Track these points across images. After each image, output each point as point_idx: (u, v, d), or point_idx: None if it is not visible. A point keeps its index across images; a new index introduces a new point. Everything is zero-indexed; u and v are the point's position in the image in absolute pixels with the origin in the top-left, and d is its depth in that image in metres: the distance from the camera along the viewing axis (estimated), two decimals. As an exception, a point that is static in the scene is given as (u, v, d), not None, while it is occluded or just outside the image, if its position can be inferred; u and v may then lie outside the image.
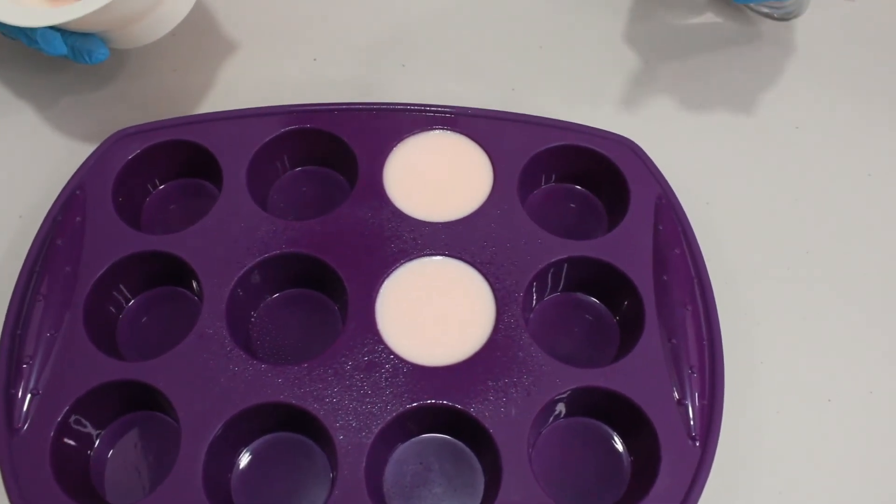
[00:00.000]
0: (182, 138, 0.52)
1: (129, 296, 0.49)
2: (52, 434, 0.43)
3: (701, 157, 0.56)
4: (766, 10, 0.60)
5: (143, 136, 0.52)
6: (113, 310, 0.49)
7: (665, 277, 0.48)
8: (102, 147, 0.51)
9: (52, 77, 0.59)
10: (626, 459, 0.45)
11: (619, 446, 0.46)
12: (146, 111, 0.57)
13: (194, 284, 0.48)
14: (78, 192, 0.50)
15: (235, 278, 0.47)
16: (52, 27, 0.49)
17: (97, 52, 0.50)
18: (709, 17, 0.63)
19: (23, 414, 0.43)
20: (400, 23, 0.63)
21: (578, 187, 0.54)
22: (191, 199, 0.53)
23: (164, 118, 0.53)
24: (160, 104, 0.58)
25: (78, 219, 0.49)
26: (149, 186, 0.53)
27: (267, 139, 0.52)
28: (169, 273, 0.49)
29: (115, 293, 0.49)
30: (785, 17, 0.60)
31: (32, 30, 0.50)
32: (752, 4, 0.59)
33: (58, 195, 0.50)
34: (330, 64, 0.60)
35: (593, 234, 0.51)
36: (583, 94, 0.59)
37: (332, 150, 0.53)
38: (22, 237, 0.52)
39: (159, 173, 0.53)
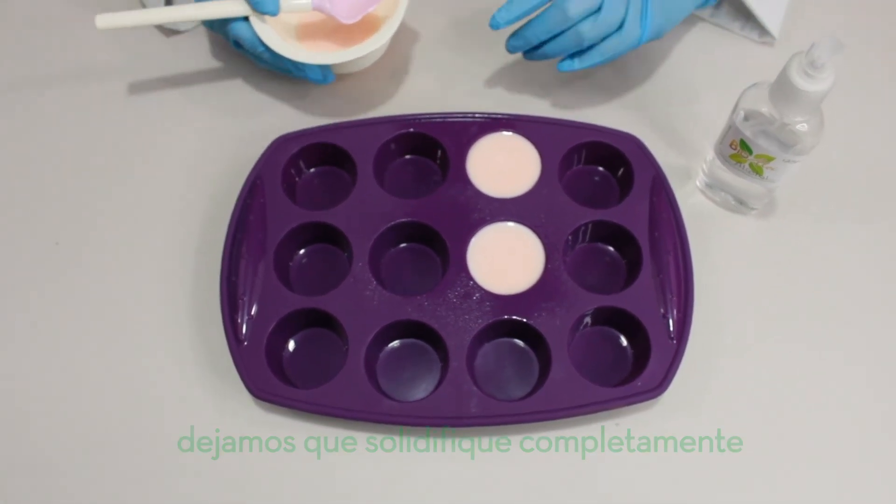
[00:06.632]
0: (326, 140, 0.70)
1: (297, 251, 0.69)
2: (264, 343, 0.62)
3: (687, 142, 0.73)
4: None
5: (298, 139, 0.70)
6: (289, 261, 0.69)
7: (656, 233, 0.65)
8: (270, 148, 0.70)
9: (219, 92, 0.77)
10: (629, 352, 0.64)
11: (625, 344, 0.64)
12: (296, 119, 0.75)
13: (344, 243, 0.67)
14: (258, 181, 0.69)
15: (373, 238, 0.66)
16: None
17: (330, 77, 0.71)
18: (693, 26, 0.79)
19: (244, 332, 0.63)
20: (467, 50, 0.79)
21: (600, 168, 0.72)
22: (329, 182, 0.72)
23: (308, 127, 0.71)
24: (305, 114, 0.76)
25: (261, 200, 0.68)
26: (302, 173, 0.72)
27: (385, 139, 0.70)
28: (323, 235, 0.68)
29: (290, 249, 0.68)
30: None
31: (303, 64, 0.69)
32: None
33: (243, 183, 0.68)
34: (418, 82, 0.78)
35: (610, 202, 0.68)
36: (602, 98, 0.75)
37: (428, 146, 0.71)
38: (215, 212, 0.70)
39: (308, 164, 0.72)
